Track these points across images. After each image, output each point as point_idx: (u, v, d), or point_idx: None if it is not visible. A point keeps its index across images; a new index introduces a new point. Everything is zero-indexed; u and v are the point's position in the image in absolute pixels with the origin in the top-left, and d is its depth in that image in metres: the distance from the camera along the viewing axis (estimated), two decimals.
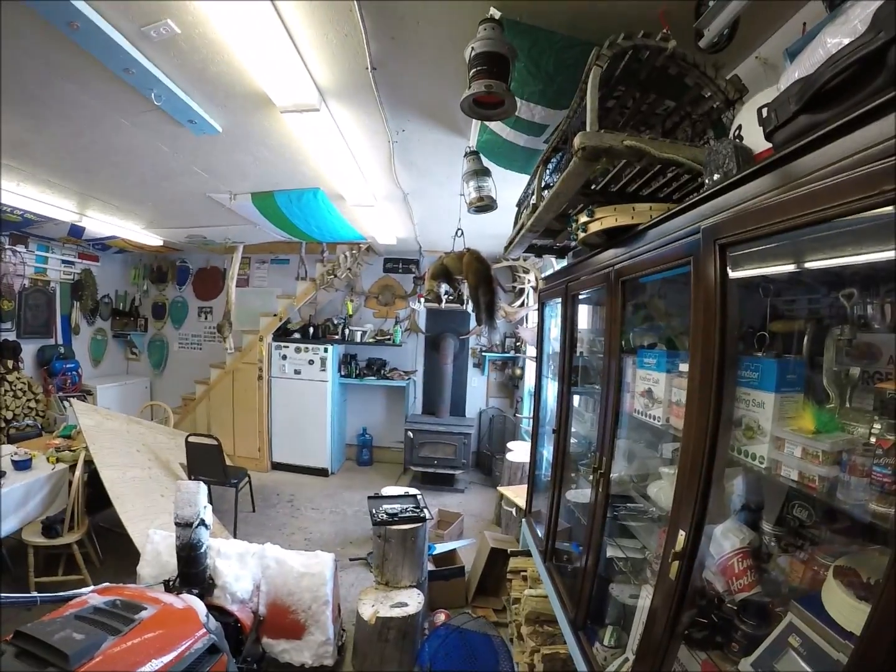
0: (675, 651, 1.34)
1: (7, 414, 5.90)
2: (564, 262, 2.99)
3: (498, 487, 4.47)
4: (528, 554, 3.22)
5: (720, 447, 1.19)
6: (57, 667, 1.79)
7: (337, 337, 6.66)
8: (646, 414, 1.71)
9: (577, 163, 1.43)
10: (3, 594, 2.26)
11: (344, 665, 3.27)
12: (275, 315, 6.61)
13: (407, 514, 3.38)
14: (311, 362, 6.43)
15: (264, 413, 6.64)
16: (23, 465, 4.29)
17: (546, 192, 2.00)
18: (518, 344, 6.46)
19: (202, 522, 2.83)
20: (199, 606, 2.34)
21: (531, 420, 3.64)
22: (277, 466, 6.74)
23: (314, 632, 3.13)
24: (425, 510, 3.49)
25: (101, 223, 5.21)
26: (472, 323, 6.43)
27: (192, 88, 2.33)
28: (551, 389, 3.14)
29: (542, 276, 3.74)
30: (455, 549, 3.95)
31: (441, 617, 3.35)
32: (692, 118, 1.69)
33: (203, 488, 2.85)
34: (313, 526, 4.96)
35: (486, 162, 2.66)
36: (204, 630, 2.21)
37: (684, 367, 1.43)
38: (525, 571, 3.09)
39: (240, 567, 3.12)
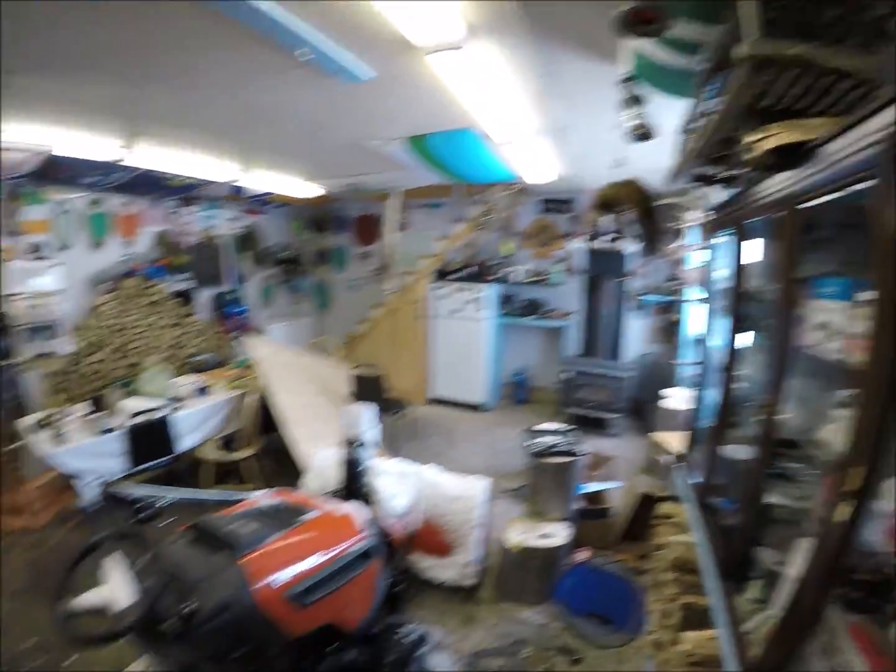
0: (825, 610, 1.24)
1: (188, 350, 6.79)
2: (727, 197, 2.77)
3: (651, 433, 4.33)
4: (679, 500, 3.12)
5: None
6: (227, 554, 2.01)
7: (495, 277, 6.71)
8: (821, 350, 1.56)
9: (742, 75, 1.31)
10: (180, 494, 2.59)
11: (483, 588, 3.41)
12: (433, 257, 6.83)
13: (563, 448, 3.42)
14: (469, 302, 6.60)
15: (424, 350, 6.96)
16: (203, 391, 4.97)
17: (707, 115, 1.86)
18: (678, 287, 6.13)
19: (366, 442, 3.06)
20: (359, 514, 2.53)
21: (690, 366, 3.48)
22: (435, 401, 7.09)
23: (460, 552, 3.31)
24: (580, 446, 3.48)
25: (261, 180, 5.62)
26: (632, 263, 6.16)
27: (337, 38, 2.37)
28: (717, 329, 2.96)
29: (704, 211, 3.50)
30: (604, 490, 3.92)
31: (582, 555, 3.41)
32: (863, 25, 1.47)
33: (369, 411, 3.08)
34: (467, 458, 5.12)
35: (643, 88, 2.48)
36: (361, 535, 2.39)
37: (866, 297, 1.28)
38: (674, 518, 2.99)
39: (397, 485, 3.33)
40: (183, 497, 2.75)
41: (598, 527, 3.66)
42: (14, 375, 5.24)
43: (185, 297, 7.12)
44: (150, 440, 4.31)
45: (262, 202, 7.74)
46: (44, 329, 5.55)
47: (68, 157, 4.50)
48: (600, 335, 6.36)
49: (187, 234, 7.21)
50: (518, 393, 7.17)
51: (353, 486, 3.06)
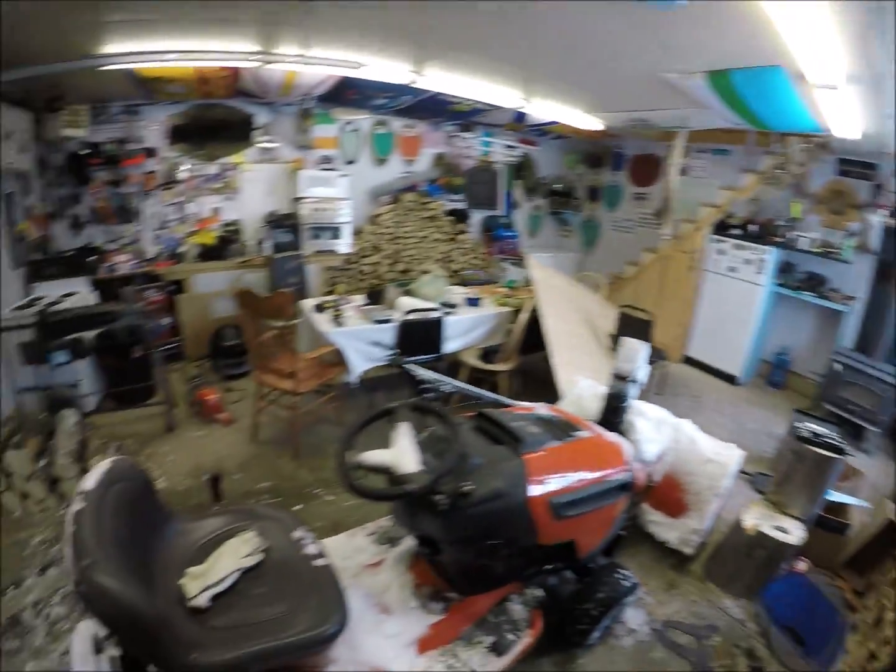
0: None
1: (456, 265, 7.53)
2: None
3: None
4: None
5: None
6: (509, 447, 2.20)
7: (778, 240, 5.95)
8: None
9: None
10: (461, 386, 2.87)
11: (695, 562, 3.29)
12: (716, 207, 6.31)
13: (832, 442, 3.07)
14: (747, 262, 6.06)
15: (690, 305, 6.60)
16: (474, 303, 5.39)
17: None
18: None
19: (636, 380, 3.09)
20: (626, 447, 2.63)
21: None
22: (688, 360, 6.75)
23: (692, 517, 3.21)
24: (848, 448, 3.17)
25: (543, 109, 5.61)
26: None
27: None
28: None
29: None
30: (847, 505, 3.45)
31: (801, 565, 3.12)
32: None
33: (645, 349, 3.08)
34: (711, 427, 4.74)
35: None
36: (624, 468, 2.47)
37: None
38: None
39: (654, 431, 3.31)
40: (462, 389, 3.05)
41: (828, 540, 3.25)
42: (300, 265, 6.23)
43: (457, 215, 7.76)
44: (420, 336, 4.66)
45: (540, 132, 7.95)
46: (327, 229, 6.47)
47: (359, 81, 5.00)
48: (883, 332, 5.34)
49: (465, 158, 7.79)
50: (775, 374, 6.37)
51: (613, 419, 3.14)
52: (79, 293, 4.88)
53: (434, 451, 2.09)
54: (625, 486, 2.43)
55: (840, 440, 3.09)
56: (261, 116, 6.33)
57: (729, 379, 6.37)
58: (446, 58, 4.24)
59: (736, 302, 6.21)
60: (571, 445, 2.34)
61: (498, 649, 2.25)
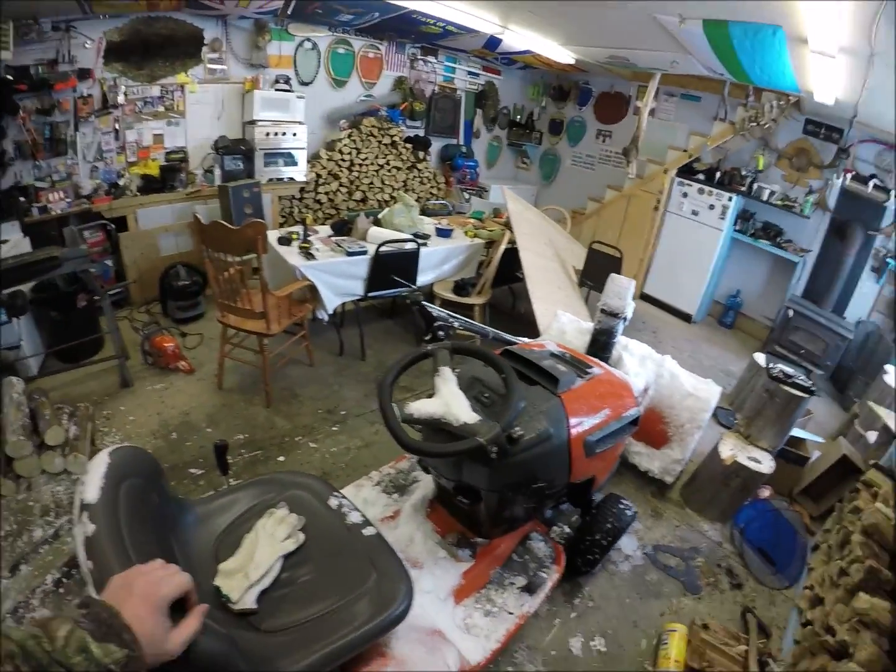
0: None
1: (415, 195, 7.29)
2: None
3: (869, 402, 4.02)
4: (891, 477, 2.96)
5: None
6: (545, 387, 2.18)
7: (742, 189, 6.24)
8: None
9: None
10: (466, 322, 2.86)
11: (673, 489, 3.57)
12: (685, 151, 6.49)
13: (799, 382, 3.34)
14: (711, 207, 6.33)
15: (650, 244, 6.86)
16: (445, 234, 5.25)
17: None
18: None
19: (624, 318, 3.18)
20: (634, 385, 2.70)
21: None
22: (646, 297, 7.06)
23: (674, 448, 3.43)
24: (816, 389, 3.44)
25: (519, 37, 5.54)
26: (890, 219, 5.38)
27: None
28: None
29: None
30: (804, 440, 3.82)
31: (766, 492, 3.47)
32: None
33: (633, 286, 3.17)
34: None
35: None
36: (635, 404, 2.55)
37: None
38: (879, 489, 2.88)
39: (639, 366, 3.46)
40: (470, 326, 3.00)
41: (789, 471, 3.62)
42: (255, 195, 5.62)
43: (417, 143, 7.48)
44: (395, 269, 4.31)
45: (508, 61, 7.79)
46: (281, 156, 6.05)
47: None
48: (831, 284, 5.75)
49: (427, 83, 7.53)
50: (727, 315, 6.82)
51: (601, 354, 3.21)
52: (9, 240, 4.20)
53: (471, 394, 1.99)
54: (635, 421, 2.53)
55: (809, 382, 3.38)
56: (210, 31, 5.55)
57: (684, 317, 6.76)
58: None
59: (695, 244, 6.52)
60: (592, 383, 2.36)
61: (530, 588, 2.29)
